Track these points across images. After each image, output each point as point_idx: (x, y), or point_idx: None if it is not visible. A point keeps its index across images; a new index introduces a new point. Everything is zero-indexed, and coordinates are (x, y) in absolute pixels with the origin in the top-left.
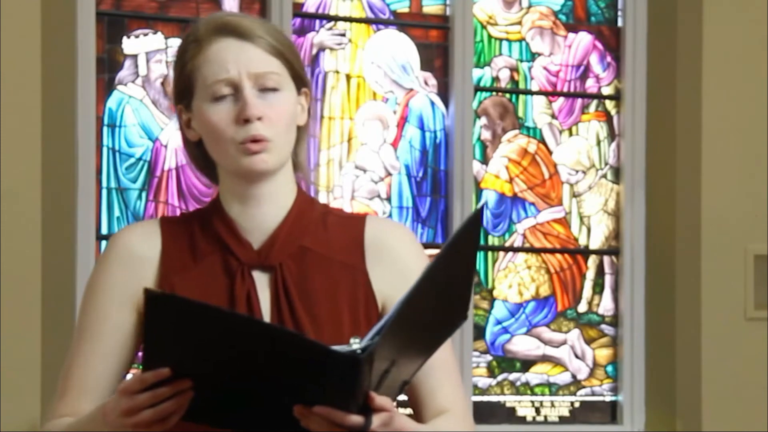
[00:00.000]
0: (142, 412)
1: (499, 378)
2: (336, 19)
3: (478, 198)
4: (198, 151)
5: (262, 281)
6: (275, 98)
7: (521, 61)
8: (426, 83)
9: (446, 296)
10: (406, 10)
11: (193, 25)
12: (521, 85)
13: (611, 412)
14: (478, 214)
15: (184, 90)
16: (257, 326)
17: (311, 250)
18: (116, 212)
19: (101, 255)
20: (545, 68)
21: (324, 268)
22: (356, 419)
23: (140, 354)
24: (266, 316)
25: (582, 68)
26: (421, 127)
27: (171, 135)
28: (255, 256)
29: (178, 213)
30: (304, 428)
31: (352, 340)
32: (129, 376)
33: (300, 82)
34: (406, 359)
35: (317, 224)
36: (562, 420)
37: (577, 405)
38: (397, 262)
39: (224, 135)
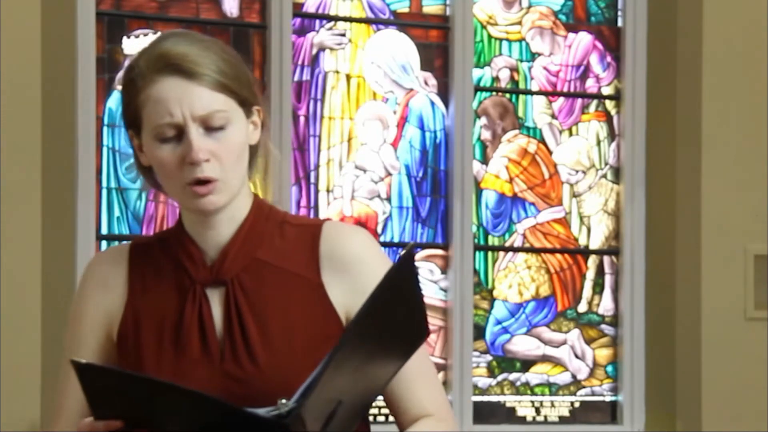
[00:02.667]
0: None
1: (499, 378)
2: (336, 19)
3: (479, 198)
4: (149, 173)
5: (215, 298)
6: (222, 136)
7: (521, 61)
8: (426, 83)
9: (392, 328)
10: (406, 10)
11: (139, 53)
12: (521, 85)
13: (611, 412)
14: (410, 253)
15: (132, 122)
16: (180, 393)
17: (266, 262)
18: (116, 212)
19: (79, 281)
20: (545, 68)
21: (279, 282)
22: None
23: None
24: (219, 335)
25: (582, 68)
26: (421, 127)
27: None
28: (207, 273)
29: (177, 213)
30: None
31: (280, 402)
32: None
33: (249, 105)
34: (359, 391)
35: (272, 235)
36: (562, 420)
37: (577, 405)
38: (353, 272)
39: (171, 175)
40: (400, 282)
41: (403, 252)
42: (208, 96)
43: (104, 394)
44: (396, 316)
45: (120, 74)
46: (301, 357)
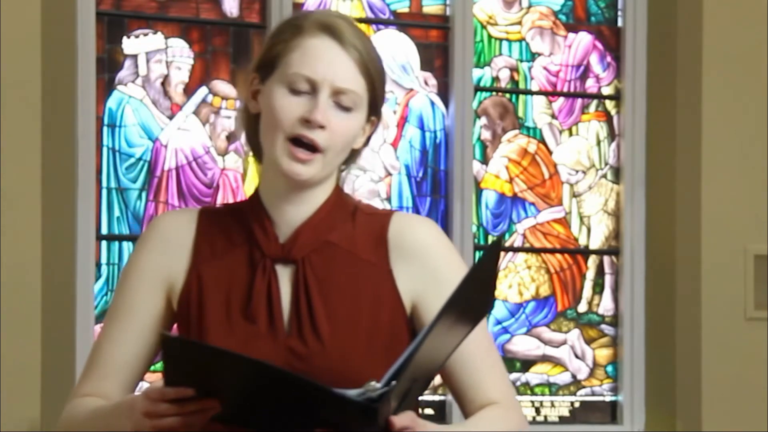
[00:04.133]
0: (164, 419)
1: None
2: None
3: (479, 198)
4: (253, 126)
5: (284, 276)
6: (345, 116)
7: (521, 61)
8: (426, 83)
9: (467, 311)
10: (406, 10)
11: (302, 13)
12: (521, 85)
13: (611, 412)
14: (498, 243)
15: (266, 65)
16: (269, 371)
17: (337, 245)
18: (116, 212)
19: (140, 237)
20: (545, 68)
21: (348, 265)
22: None
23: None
24: (285, 311)
25: (582, 68)
26: (421, 127)
27: (171, 135)
28: (279, 250)
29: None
30: None
31: (369, 385)
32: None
33: (373, 109)
34: (427, 369)
35: (345, 220)
36: (562, 420)
37: (577, 405)
38: (422, 260)
39: (282, 126)
40: (485, 271)
41: (491, 243)
42: (352, 72)
43: (184, 365)
44: (474, 300)
45: (121, 74)
46: (364, 340)
